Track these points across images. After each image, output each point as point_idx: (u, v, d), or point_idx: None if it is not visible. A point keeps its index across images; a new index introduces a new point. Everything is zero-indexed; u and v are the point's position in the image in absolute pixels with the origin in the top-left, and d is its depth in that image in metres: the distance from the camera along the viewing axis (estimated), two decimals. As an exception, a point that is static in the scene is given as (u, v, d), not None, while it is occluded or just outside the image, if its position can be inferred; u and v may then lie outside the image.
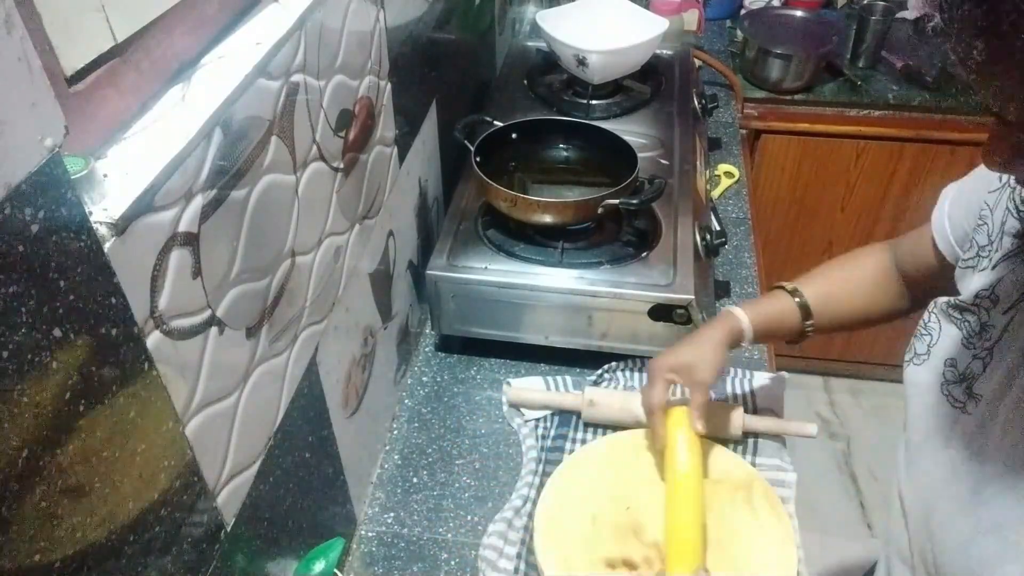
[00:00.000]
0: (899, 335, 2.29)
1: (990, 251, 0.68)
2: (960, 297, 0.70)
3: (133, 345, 0.51)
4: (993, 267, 0.67)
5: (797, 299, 0.95)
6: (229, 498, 0.66)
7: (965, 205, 0.78)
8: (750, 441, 1.06)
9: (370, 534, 1.00)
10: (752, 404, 1.11)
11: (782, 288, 0.97)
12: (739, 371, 1.15)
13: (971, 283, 0.69)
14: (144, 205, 0.50)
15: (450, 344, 1.23)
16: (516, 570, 0.93)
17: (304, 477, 0.82)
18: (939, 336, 0.71)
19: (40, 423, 0.42)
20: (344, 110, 0.83)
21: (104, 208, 0.48)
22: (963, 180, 0.80)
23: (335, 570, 0.77)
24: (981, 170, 0.70)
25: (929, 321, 0.73)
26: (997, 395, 0.63)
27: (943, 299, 0.73)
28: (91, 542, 0.48)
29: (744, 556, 0.90)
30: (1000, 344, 0.64)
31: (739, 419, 1.04)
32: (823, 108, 1.88)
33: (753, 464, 1.02)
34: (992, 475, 0.62)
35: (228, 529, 0.66)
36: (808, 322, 0.94)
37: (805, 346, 2.40)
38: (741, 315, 0.95)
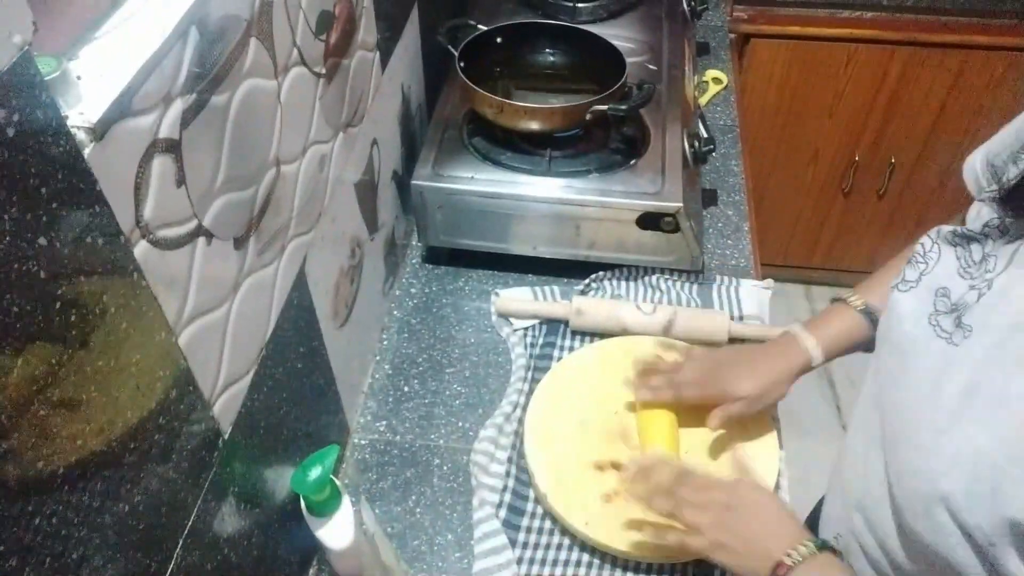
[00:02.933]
0: (880, 243, 2.32)
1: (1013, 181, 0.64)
2: (967, 226, 0.67)
3: (121, 255, 0.50)
4: (1009, 193, 0.63)
5: (861, 310, 0.88)
6: (225, 407, 0.66)
7: (1004, 142, 0.74)
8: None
9: (363, 442, 1.02)
10: (739, 311, 1.12)
11: (844, 302, 0.90)
12: (725, 279, 1.16)
13: (982, 212, 0.66)
14: (122, 109, 0.48)
15: (437, 256, 1.23)
16: (507, 473, 0.95)
17: (297, 387, 0.82)
18: (936, 264, 0.68)
19: (31, 333, 0.42)
20: (324, 11, 0.80)
21: (80, 112, 0.46)
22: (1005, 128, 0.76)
23: (331, 476, 0.79)
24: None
25: (929, 250, 0.70)
26: (988, 327, 0.61)
27: (947, 227, 0.70)
28: (91, 451, 0.48)
29: (729, 459, 0.93)
30: (1002, 276, 0.61)
31: (725, 325, 1.06)
32: (815, 10, 1.83)
33: (738, 369, 1.04)
34: (973, 406, 0.60)
35: (225, 437, 0.67)
36: None
37: (788, 255, 2.42)
38: (810, 344, 0.89)
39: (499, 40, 1.23)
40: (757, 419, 0.96)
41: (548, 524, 0.92)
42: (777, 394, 0.90)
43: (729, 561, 0.73)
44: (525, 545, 0.90)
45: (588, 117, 1.08)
